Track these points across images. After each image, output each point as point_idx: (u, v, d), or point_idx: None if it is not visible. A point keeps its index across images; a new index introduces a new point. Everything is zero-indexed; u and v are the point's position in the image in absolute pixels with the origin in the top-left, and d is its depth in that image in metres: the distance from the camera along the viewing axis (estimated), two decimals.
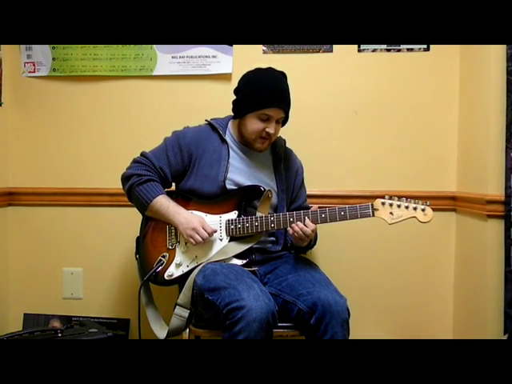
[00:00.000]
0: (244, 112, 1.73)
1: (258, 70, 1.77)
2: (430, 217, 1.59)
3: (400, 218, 1.61)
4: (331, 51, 2.13)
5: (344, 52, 2.12)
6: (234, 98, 1.78)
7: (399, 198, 1.63)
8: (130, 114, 2.18)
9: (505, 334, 1.76)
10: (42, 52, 2.17)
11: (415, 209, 1.60)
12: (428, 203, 1.60)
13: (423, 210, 1.59)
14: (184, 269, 1.71)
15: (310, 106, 2.13)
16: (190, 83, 2.15)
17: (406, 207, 1.61)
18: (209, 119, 1.85)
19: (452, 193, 2.12)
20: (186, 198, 1.77)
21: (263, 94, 1.69)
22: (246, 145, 1.79)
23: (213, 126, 1.81)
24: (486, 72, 1.86)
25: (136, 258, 1.80)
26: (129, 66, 2.16)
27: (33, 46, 2.17)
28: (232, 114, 1.81)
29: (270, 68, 1.77)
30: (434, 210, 1.61)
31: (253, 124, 1.72)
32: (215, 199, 1.74)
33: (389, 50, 2.12)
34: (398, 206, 1.61)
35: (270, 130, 1.71)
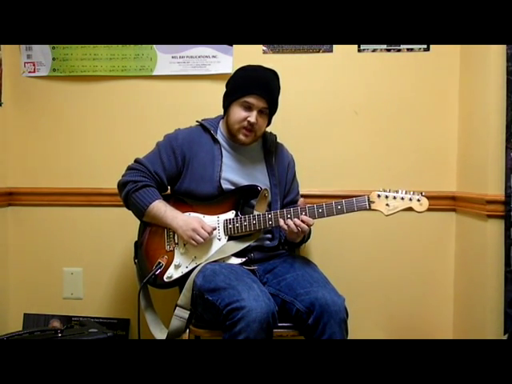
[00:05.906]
0: (228, 103, 1.75)
1: (246, 65, 1.79)
2: (425, 206, 1.60)
3: (396, 209, 1.61)
4: (331, 51, 2.13)
5: (344, 52, 2.12)
6: None
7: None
8: (130, 114, 2.18)
9: (505, 334, 1.76)
10: (42, 52, 2.17)
11: (411, 199, 1.60)
12: (423, 193, 1.61)
13: (419, 200, 1.60)
14: (183, 270, 1.71)
15: (310, 106, 2.14)
16: (190, 83, 2.15)
17: (402, 198, 1.61)
18: (200, 120, 1.85)
19: (452, 193, 2.12)
20: (182, 200, 1.77)
21: (244, 81, 1.72)
22: (236, 141, 1.79)
23: (204, 127, 1.81)
24: (486, 72, 1.86)
25: (135, 263, 1.80)
26: (129, 66, 2.16)
27: (33, 45, 2.17)
28: (222, 114, 1.82)
29: (260, 65, 1.78)
30: (433, 210, 1.61)
31: (235, 113, 1.73)
32: (212, 200, 1.74)
33: (389, 50, 2.12)
34: (394, 198, 1.62)
35: (251, 118, 1.70)
